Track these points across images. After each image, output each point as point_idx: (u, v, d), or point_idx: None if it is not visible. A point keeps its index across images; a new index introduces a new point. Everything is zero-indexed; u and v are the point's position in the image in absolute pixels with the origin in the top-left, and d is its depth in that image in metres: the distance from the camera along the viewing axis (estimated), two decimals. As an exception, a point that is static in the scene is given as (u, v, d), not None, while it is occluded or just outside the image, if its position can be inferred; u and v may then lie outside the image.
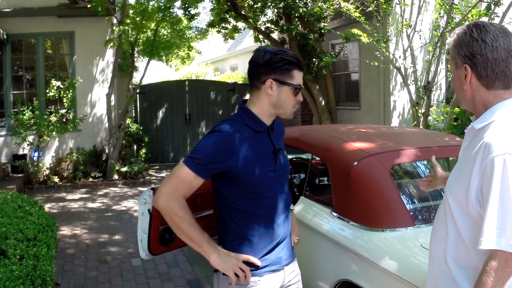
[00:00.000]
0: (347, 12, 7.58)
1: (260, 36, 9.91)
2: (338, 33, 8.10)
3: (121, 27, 8.21)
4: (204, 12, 19.01)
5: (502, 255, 1.27)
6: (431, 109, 7.27)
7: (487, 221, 1.29)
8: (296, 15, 8.80)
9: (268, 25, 9.70)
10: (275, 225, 1.88)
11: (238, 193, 1.83)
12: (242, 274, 1.77)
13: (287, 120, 2.08)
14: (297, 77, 1.86)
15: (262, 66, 1.84)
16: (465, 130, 1.59)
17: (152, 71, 16.27)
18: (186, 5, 9.41)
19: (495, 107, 1.43)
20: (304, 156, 4.20)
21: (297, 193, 3.68)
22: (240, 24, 10.30)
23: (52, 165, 8.53)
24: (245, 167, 1.78)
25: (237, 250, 1.83)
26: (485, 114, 1.44)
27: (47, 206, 6.61)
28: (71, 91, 8.44)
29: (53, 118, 8.24)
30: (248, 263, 1.81)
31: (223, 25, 10.12)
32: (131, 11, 8.86)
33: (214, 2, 9.93)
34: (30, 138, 8.11)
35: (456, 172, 1.49)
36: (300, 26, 9.01)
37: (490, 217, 1.29)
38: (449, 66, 1.63)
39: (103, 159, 8.83)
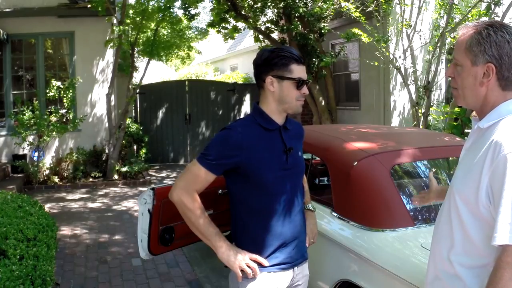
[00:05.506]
0: (347, 12, 7.58)
1: (260, 36, 9.91)
2: (338, 33, 8.10)
3: (121, 27, 8.21)
4: (204, 12, 19.03)
5: None
6: (431, 109, 7.27)
7: (501, 217, 1.29)
8: (296, 15, 8.80)
9: (268, 25, 9.69)
10: (284, 223, 1.90)
11: (247, 190, 1.87)
12: (249, 270, 1.81)
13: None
14: (297, 70, 1.89)
15: (262, 65, 1.91)
16: (465, 130, 1.58)
17: (152, 71, 16.27)
18: (186, 5, 9.41)
19: (500, 106, 1.43)
20: (304, 156, 4.19)
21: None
22: (240, 24, 10.30)
23: (52, 165, 8.53)
24: (255, 164, 1.83)
25: (245, 246, 1.86)
26: (490, 113, 1.44)
27: (47, 206, 6.61)
28: (71, 91, 8.44)
29: (53, 118, 8.24)
30: (255, 261, 1.85)
31: (223, 25, 10.12)
32: (131, 11, 8.86)
33: (214, 2, 9.92)
34: (30, 138, 8.11)
35: (462, 173, 1.48)
36: (300, 26, 9.00)
37: (504, 213, 1.29)
38: (448, 65, 1.62)
39: (103, 159, 8.83)
